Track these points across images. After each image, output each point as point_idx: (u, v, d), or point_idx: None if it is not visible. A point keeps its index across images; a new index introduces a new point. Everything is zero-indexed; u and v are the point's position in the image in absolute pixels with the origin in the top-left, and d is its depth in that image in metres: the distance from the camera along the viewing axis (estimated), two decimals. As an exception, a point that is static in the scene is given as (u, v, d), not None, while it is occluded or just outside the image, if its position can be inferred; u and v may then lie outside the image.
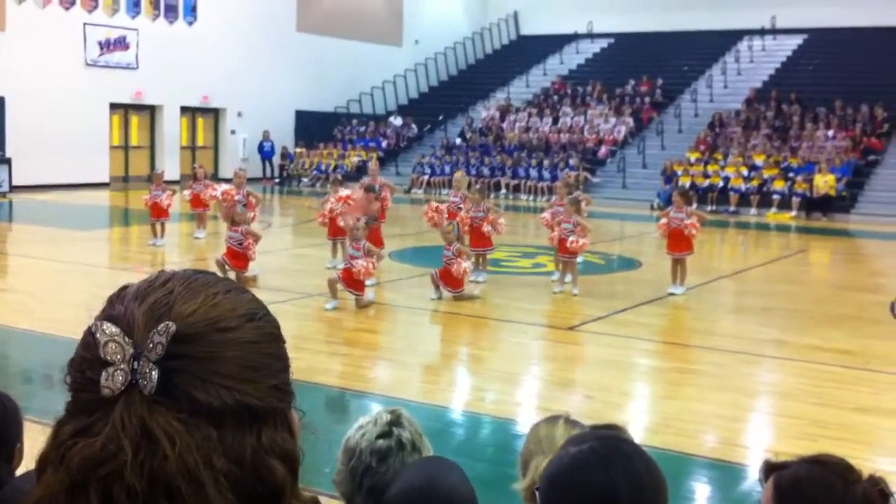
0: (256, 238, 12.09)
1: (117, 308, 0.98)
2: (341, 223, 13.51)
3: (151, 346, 0.93)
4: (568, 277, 12.30)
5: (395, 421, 2.55)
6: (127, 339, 0.94)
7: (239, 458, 0.94)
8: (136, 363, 0.93)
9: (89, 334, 0.96)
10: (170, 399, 0.92)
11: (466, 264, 11.48)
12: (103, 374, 0.93)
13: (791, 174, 24.84)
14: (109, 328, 0.95)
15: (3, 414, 2.46)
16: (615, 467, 1.68)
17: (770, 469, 2.10)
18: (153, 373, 0.92)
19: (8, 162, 24.47)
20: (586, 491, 1.66)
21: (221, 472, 0.93)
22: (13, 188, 24.42)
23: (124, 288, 1.02)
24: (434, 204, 13.66)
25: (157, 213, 15.90)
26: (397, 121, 33.47)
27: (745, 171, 25.35)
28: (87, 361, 0.95)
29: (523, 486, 2.11)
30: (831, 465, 2.04)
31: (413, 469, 2.38)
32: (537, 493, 1.77)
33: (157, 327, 0.94)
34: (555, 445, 2.03)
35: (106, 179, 27.98)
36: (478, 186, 14.50)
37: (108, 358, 0.93)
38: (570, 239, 11.98)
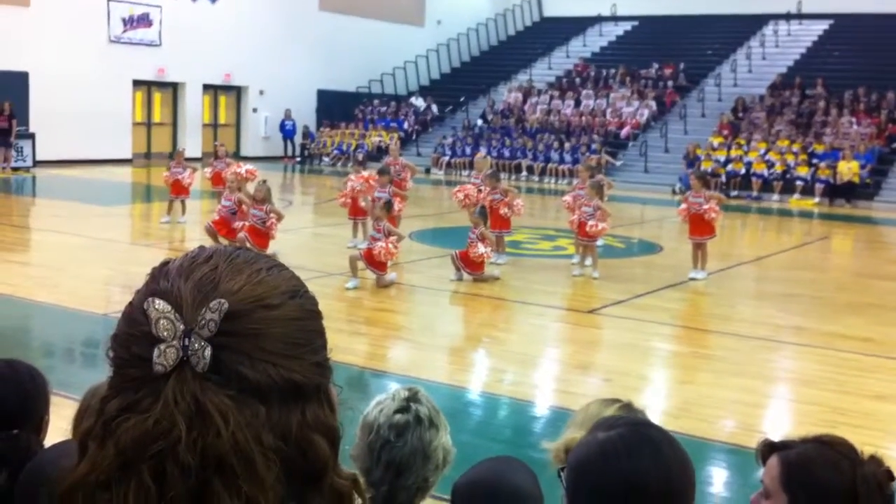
0: (279, 217, 12.16)
1: (162, 284, 0.97)
2: (363, 203, 13.51)
3: (203, 322, 0.93)
4: (588, 261, 12.28)
5: (413, 397, 2.56)
6: (177, 316, 0.93)
7: (285, 434, 0.95)
8: (186, 340, 0.92)
9: (139, 311, 0.96)
10: (219, 376, 0.92)
11: (483, 250, 11.44)
12: (155, 350, 0.92)
13: (815, 160, 24.64)
14: (161, 304, 0.94)
15: (32, 387, 2.49)
16: (643, 455, 1.66)
17: (770, 448, 2.09)
18: (206, 350, 0.92)
19: (31, 137, 24.61)
20: (614, 478, 1.64)
21: (270, 449, 0.93)
22: (36, 163, 24.58)
23: (165, 263, 1.01)
24: (466, 188, 13.34)
25: (178, 190, 15.96)
26: (418, 101, 33.40)
27: (769, 157, 25.17)
28: (133, 337, 0.95)
29: (551, 447, 2.13)
30: (837, 446, 2.03)
31: (483, 463, 2.43)
32: (563, 475, 1.76)
33: (210, 304, 0.94)
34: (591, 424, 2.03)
35: (128, 156, 28.11)
36: (488, 172, 14.36)
37: (161, 335, 0.93)
38: (590, 223, 11.96)
